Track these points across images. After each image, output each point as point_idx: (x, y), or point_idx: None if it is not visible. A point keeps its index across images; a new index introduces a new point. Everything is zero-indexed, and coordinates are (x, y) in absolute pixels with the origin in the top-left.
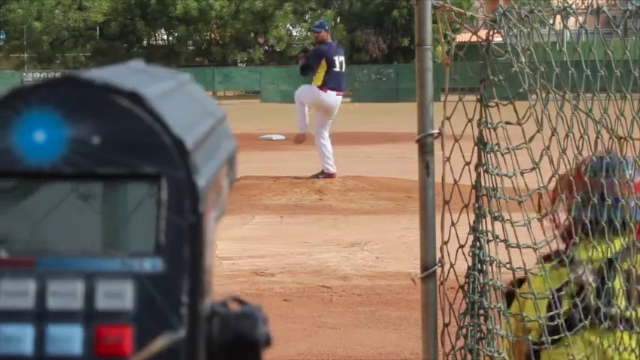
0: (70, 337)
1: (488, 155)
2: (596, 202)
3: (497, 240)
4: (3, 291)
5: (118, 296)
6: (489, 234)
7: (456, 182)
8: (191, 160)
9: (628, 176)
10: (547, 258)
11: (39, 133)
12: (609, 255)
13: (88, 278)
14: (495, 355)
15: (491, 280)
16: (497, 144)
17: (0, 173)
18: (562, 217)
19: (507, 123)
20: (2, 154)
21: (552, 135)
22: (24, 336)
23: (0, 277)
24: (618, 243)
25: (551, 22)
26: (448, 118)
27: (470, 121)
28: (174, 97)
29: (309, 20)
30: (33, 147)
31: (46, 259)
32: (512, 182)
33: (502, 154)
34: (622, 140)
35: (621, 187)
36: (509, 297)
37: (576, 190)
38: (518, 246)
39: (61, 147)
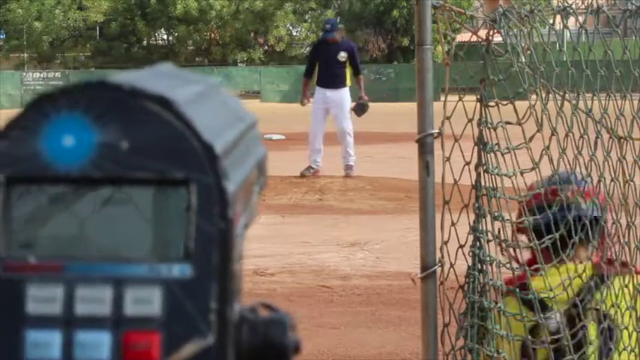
0: (99, 343)
1: (488, 155)
2: (556, 215)
3: (497, 240)
4: (31, 296)
5: (147, 302)
6: (489, 234)
7: (455, 182)
8: (220, 166)
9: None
10: (509, 282)
11: (67, 138)
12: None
13: (117, 284)
14: (495, 355)
15: (491, 280)
16: (497, 144)
17: (28, 178)
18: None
19: (507, 123)
20: (30, 159)
21: (552, 135)
22: (52, 342)
23: (28, 283)
24: (587, 268)
25: (551, 22)
26: (448, 118)
27: (470, 121)
28: (204, 101)
29: (309, 20)
30: (61, 152)
31: (74, 265)
32: (512, 182)
33: (502, 154)
34: (622, 140)
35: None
36: None
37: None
38: (518, 246)
39: (89, 152)
